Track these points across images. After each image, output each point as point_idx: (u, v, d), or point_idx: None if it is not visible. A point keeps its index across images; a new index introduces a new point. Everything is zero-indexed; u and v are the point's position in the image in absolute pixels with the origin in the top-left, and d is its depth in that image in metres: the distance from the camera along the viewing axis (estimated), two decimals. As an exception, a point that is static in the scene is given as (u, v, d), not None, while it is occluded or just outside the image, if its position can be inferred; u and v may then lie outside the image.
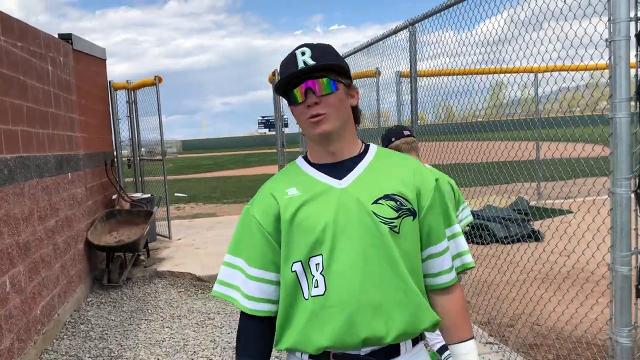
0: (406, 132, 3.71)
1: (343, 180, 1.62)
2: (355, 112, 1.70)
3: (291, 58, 1.61)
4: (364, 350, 1.55)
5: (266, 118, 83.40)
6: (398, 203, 1.58)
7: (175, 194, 16.62)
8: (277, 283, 1.65)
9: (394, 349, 1.57)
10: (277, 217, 1.63)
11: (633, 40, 2.72)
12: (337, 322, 1.53)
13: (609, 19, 2.77)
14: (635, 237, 2.81)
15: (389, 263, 1.54)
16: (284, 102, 10.15)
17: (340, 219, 1.56)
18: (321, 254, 1.56)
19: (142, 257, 7.89)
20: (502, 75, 4.91)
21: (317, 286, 1.56)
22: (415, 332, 1.57)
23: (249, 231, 1.67)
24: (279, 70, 1.68)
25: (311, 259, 1.57)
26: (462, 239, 1.71)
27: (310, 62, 1.58)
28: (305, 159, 1.74)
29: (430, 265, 1.65)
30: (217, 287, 1.73)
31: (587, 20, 2.97)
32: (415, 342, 1.62)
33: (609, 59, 2.79)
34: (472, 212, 4.10)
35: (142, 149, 10.32)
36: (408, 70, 8.89)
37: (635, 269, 2.84)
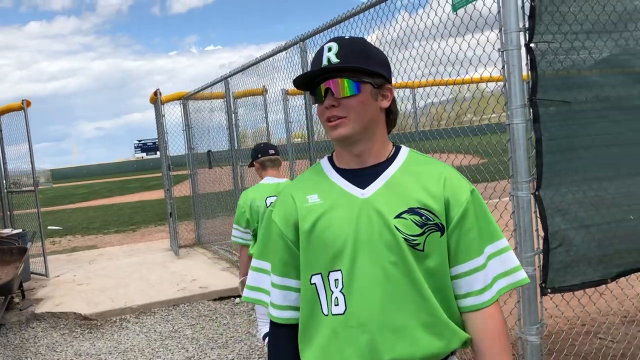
0: (271, 151, 4.09)
1: (366, 189, 1.51)
2: (389, 113, 1.57)
3: (319, 52, 1.51)
4: None
5: (143, 141, 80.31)
6: (423, 218, 1.45)
7: (49, 227, 15.37)
8: (300, 290, 1.57)
9: None
10: (296, 225, 1.55)
11: (523, 49, 2.84)
12: (358, 345, 1.44)
13: (500, 29, 2.88)
14: (536, 237, 2.92)
15: (411, 283, 1.44)
16: (169, 122, 9.79)
17: (361, 233, 1.46)
18: (340, 270, 1.47)
19: (16, 300, 7.13)
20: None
21: (338, 304, 1.47)
22: (444, 353, 1.47)
23: (271, 236, 1.61)
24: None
25: (331, 273, 1.48)
26: (510, 255, 1.53)
27: (334, 60, 1.46)
28: (331, 160, 1.63)
29: (457, 286, 1.51)
30: (247, 292, 1.66)
31: (480, 33, 3.08)
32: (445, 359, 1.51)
33: (502, 67, 2.90)
34: None
35: (5, 180, 9.43)
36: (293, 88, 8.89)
37: (539, 268, 2.95)
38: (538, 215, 2.91)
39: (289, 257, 1.56)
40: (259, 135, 9.71)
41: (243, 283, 4.15)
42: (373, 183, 1.51)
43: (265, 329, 4.66)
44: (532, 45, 2.84)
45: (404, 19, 3.92)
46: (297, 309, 1.56)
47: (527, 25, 2.82)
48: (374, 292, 1.43)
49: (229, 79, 7.56)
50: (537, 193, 2.89)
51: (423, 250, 1.44)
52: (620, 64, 3.00)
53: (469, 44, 3.34)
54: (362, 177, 1.52)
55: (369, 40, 1.65)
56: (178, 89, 10.58)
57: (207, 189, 10.29)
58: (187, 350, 5.25)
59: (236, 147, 8.03)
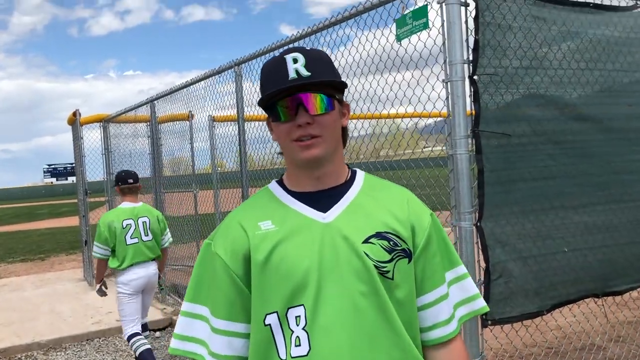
0: (130, 180, 5.07)
1: (328, 213, 1.36)
2: (344, 133, 1.45)
3: (279, 64, 1.33)
4: None
5: (54, 166, 76.60)
6: (392, 243, 1.33)
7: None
8: (248, 335, 1.36)
9: None
10: (246, 257, 1.34)
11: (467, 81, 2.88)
12: None
13: (445, 61, 2.91)
14: (478, 269, 2.92)
15: (382, 316, 1.29)
16: (86, 146, 9.32)
17: (326, 261, 1.30)
18: (303, 305, 1.28)
19: None
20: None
21: (299, 345, 1.27)
22: None
23: (212, 273, 1.37)
24: (261, 75, 1.39)
25: (290, 310, 1.29)
26: (469, 282, 1.46)
27: (305, 72, 1.31)
28: (281, 184, 1.45)
29: (423, 317, 1.39)
30: (175, 343, 1.40)
31: (424, 63, 3.09)
32: None
33: (447, 98, 2.92)
34: None
35: None
36: (217, 114, 8.73)
37: (480, 300, 2.94)
38: (480, 246, 2.92)
39: (237, 296, 1.35)
40: (183, 162, 9.42)
41: (100, 291, 5.32)
42: (335, 206, 1.37)
43: (129, 329, 5.11)
44: (475, 77, 2.88)
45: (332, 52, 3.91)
46: (243, 359, 1.36)
47: (471, 58, 2.86)
48: (343, 327, 1.27)
49: (155, 102, 7.28)
50: (478, 224, 2.89)
51: (393, 279, 1.31)
52: (555, 100, 3.10)
53: (403, 76, 3.36)
54: (320, 200, 1.38)
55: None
56: (94, 113, 10.13)
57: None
58: (102, 389, 4.86)
59: (157, 174, 7.70)
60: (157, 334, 6.40)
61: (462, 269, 1.46)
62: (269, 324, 1.30)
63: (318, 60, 1.35)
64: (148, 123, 8.90)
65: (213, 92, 6.15)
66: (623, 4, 3.42)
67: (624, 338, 4.89)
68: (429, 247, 1.39)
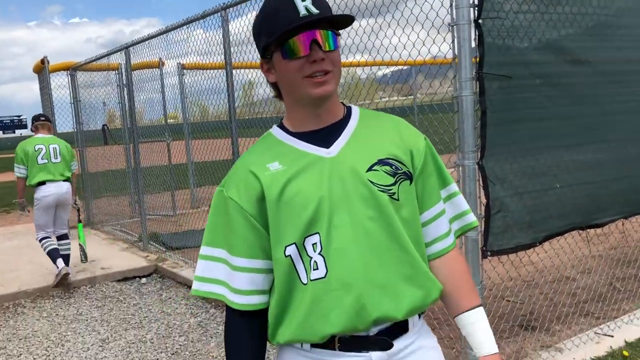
0: (42, 118, 6.54)
1: (331, 147, 1.44)
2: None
3: (287, 1, 1.35)
4: (373, 330, 1.41)
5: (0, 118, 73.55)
6: (393, 167, 1.43)
7: None
8: (267, 271, 1.44)
9: (403, 325, 1.44)
10: (260, 197, 1.41)
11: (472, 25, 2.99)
12: (343, 307, 1.36)
13: (451, 5, 3.00)
14: (479, 204, 3.11)
15: (391, 235, 1.40)
16: (59, 101, 9.05)
17: (335, 191, 1.39)
18: (318, 232, 1.37)
19: None
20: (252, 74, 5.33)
21: (317, 268, 1.37)
22: (425, 305, 1.45)
23: (227, 216, 1.44)
24: (262, 14, 1.41)
25: (306, 239, 1.38)
26: (460, 199, 1.58)
27: (314, 9, 1.34)
28: (282, 127, 1.51)
29: (426, 232, 1.51)
30: (196, 285, 1.47)
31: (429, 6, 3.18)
32: (419, 315, 1.50)
33: (452, 41, 3.03)
34: None
35: None
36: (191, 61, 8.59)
37: (481, 234, 3.15)
38: (481, 183, 3.09)
39: (254, 235, 1.42)
40: (149, 112, 9.29)
41: (20, 204, 6.36)
42: (337, 140, 1.45)
43: (40, 235, 6.21)
44: (480, 21, 2.98)
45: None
46: (264, 292, 1.45)
47: (476, 2, 2.96)
48: (356, 249, 1.37)
49: (130, 49, 7.12)
50: (480, 163, 3.06)
51: (398, 200, 1.42)
52: (551, 44, 3.25)
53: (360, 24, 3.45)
54: (323, 136, 1.45)
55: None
56: (51, 64, 9.73)
57: (97, 168, 9.70)
58: (99, 333, 4.97)
59: (133, 123, 7.60)
60: (143, 280, 6.49)
61: (453, 186, 1.58)
62: (289, 255, 1.39)
63: None
64: (117, 71, 8.72)
65: (193, 38, 6.07)
66: (612, -50, 3.55)
67: (593, 269, 5.27)
68: (426, 167, 1.50)
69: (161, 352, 4.47)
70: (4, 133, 72.17)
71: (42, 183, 6.02)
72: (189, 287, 5.97)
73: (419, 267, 1.43)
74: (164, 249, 7.29)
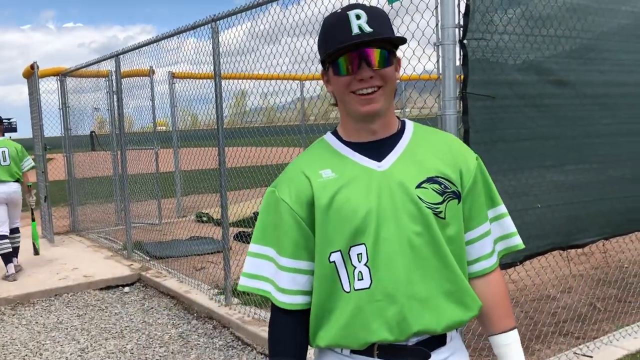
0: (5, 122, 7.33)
1: (383, 162, 1.48)
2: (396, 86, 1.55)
3: (342, 20, 1.41)
4: (412, 340, 1.45)
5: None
6: (442, 186, 1.47)
7: None
8: (311, 272, 1.50)
9: (441, 338, 1.48)
10: (310, 202, 1.47)
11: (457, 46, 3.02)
12: (385, 318, 1.41)
13: (437, 25, 3.04)
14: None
15: (435, 252, 1.44)
16: (46, 101, 9.01)
17: (384, 205, 1.43)
18: (364, 243, 1.42)
19: None
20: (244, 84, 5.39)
21: (362, 279, 1.42)
22: (464, 321, 1.48)
23: (277, 216, 1.50)
24: (322, 29, 1.48)
25: (352, 248, 1.43)
26: (508, 220, 1.62)
27: (367, 29, 1.40)
28: (336, 135, 1.56)
29: (469, 251, 1.55)
30: (243, 281, 1.54)
31: (415, 25, 3.21)
32: (457, 329, 1.54)
33: (437, 61, 3.07)
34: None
35: None
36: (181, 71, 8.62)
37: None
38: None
39: (301, 237, 1.48)
40: (137, 120, 9.27)
41: None
42: (389, 155, 1.50)
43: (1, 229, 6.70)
44: (464, 41, 3.02)
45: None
46: (307, 293, 1.50)
47: (461, 23, 3.00)
48: (400, 263, 1.42)
49: (120, 57, 7.12)
50: (462, 181, 3.08)
51: (445, 218, 1.45)
52: (534, 65, 3.29)
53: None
54: (375, 149, 1.50)
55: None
56: (41, 69, 9.64)
57: (83, 174, 9.65)
58: (78, 342, 4.92)
59: (120, 130, 7.57)
60: (126, 289, 6.45)
61: (502, 208, 1.62)
62: (334, 261, 1.44)
63: (378, 17, 1.45)
64: (106, 78, 8.71)
65: (184, 47, 6.09)
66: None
67: (574, 289, 5.30)
68: (475, 187, 1.54)
69: (140, 363, 4.43)
70: (3, 135, 71.47)
71: None
72: (172, 297, 5.94)
73: (460, 283, 1.47)
74: (148, 258, 7.25)
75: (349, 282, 1.44)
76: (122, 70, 7.34)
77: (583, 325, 4.44)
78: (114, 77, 7.82)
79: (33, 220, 7.40)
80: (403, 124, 1.58)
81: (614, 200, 3.74)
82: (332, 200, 1.44)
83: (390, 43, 1.46)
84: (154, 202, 9.47)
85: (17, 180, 6.82)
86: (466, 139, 3.06)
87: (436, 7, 3.03)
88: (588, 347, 4.00)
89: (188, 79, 7.57)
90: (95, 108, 9.44)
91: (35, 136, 8.76)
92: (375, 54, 1.42)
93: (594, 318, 4.57)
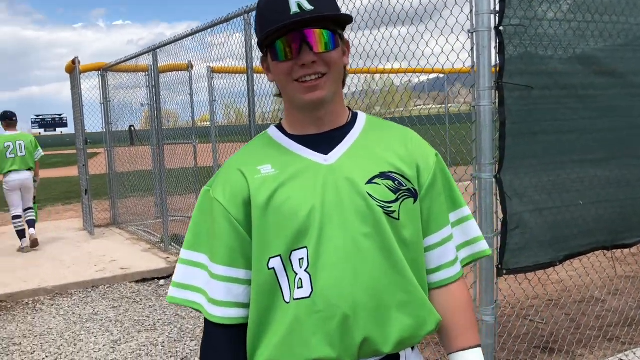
0: (14, 118, 8.10)
1: (330, 154, 1.32)
2: (345, 71, 1.37)
3: None
4: None
5: (41, 117, 75.48)
6: (396, 182, 1.30)
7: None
8: (248, 282, 1.32)
9: (393, 358, 1.29)
10: (246, 201, 1.29)
11: (493, 32, 2.86)
12: (327, 331, 1.24)
13: (471, 11, 2.88)
14: (496, 220, 2.97)
15: (386, 255, 1.26)
16: (83, 95, 9.19)
17: (328, 202, 1.26)
18: (306, 247, 1.25)
19: None
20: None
21: (302, 286, 1.25)
22: (417, 336, 1.30)
23: (210, 218, 1.33)
24: (257, 9, 1.31)
25: (293, 252, 1.26)
26: (472, 224, 1.43)
27: (308, 6, 1.22)
28: (279, 128, 1.40)
29: (429, 258, 1.37)
30: (173, 292, 1.36)
31: (449, 12, 3.07)
32: (413, 347, 1.35)
33: (471, 49, 2.91)
34: None
35: None
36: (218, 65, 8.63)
37: (497, 250, 3.00)
38: (498, 197, 2.95)
39: (237, 242, 1.30)
40: (182, 114, 9.32)
41: None
42: (337, 148, 1.32)
43: (13, 212, 7.92)
44: (501, 28, 2.85)
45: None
46: (243, 305, 1.32)
47: (497, 8, 2.83)
48: (345, 268, 1.24)
49: (157, 50, 7.16)
50: (498, 176, 2.92)
51: (399, 219, 1.28)
52: (578, 53, 3.09)
53: (399, 32, 3.34)
54: (322, 142, 1.33)
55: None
56: (83, 63, 9.78)
57: (124, 168, 9.80)
58: (112, 334, 4.96)
59: (157, 125, 7.62)
60: (162, 282, 6.49)
61: (465, 210, 1.43)
62: (273, 268, 1.26)
63: None
64: (146, 73, 8.79)
65: (217, 42, 6.06)
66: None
67: (621, 291, 5.03)
68: (435, 186, 1.37)
69: (171, 357, 4.43)
70: (45, 131, 74.01)
71: (9, 172, 7.82)
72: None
73: (415, 293, 1.29)
74: (183, 251, 7.27)
75: (290, 290, 1.26)
76: (161, 65, 7.38)
77: (630, 329, 4.20)
78: (152, 71, 7.88)
79: (35, 202, 8.48)
80: (355, 115, 1.41)
81: (664, 198, 3.50)
82: (271, 199, 1.27)
83: (335, 23, 1.28)
84: (192, 196, 9.52)
85: (29, 169, 7.98)
86: (502, 132, 2.90)
87: (470, -8, 2.87)
88: (635, 354, 3.78)
89: (227, 74, 7.58)
90: (141, 103, 9.55)
91: (77, 130, 8.92)
92: (317, 35, 1.24)
93: (643, 322, 4.32)
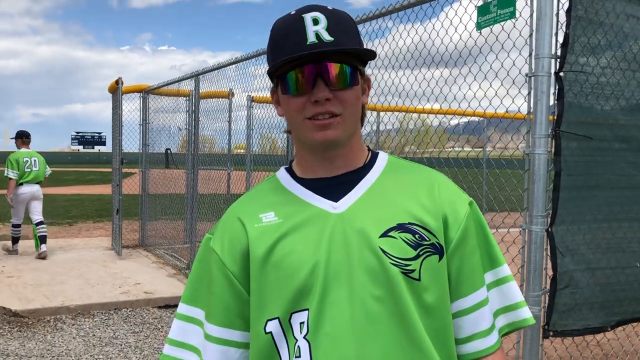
0: (30, 137, 8.83)
1: (340, 201, 1.15)
2: (363, 110, 1.21)
3: (296, 23, 1.11)
4: None
5: (81, 134, 77.47)
6: (417, 236, 1.11)
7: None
8: (246, 345, 1.18)
9: None
10: (244, 253, 1.16)
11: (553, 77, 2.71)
12: None
13: (530, 54, 2.75)
14: (545, 276, 2.77)
15: (401, 324, 1.08)
16: (124, 115, 9.32)
17: (334, 258, 1.10)
18: (307, 309, 1.09)
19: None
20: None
21: (299, 356, 1.09)
22: None
23: (208, 271, 1.20)
24: (270, 34, 1.17)
25: (293, 315, 1.10)
26: (513, 286, 1.22)
27: (327, 37, 1.08)
28: (289, 171, 1.25)
29: (460, 326, 1.17)
30: (167, 350, 1.23)
31: (505, 54, 2.94)
32: None
33: (528, 94, 2.77)
34: None
35: None
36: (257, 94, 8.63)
37: (544, 309, 2.80)
38: (548, 252, 2.77)
39: (233, 300, 1.17)
40: (219, 141, 9.33)
41: (11, 198, 8.58)
42: (349, 194, 1.16)
43: (14, 222, 8.69)
44: (561, 74, 2.71)
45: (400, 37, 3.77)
46: None
47: (558, 53, 2.70)
48: (350, 338, 1.07)
49: (200, 76, 7.19)
50: (549, 229, 2.74)
51: (419, 279, 1.09)
52: (641, 106, 2.92)
53: (441, 73, 3.21)
54: (333, 187, 1.17)
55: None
56: (126, 85, 9.92)
57: (157, 190, 9.81)
58: (130, 360, 4.83)
59: (194, 150, 7.61)
60: (184, 309, 6.36)
61: (505, 269, 1.22)
62: (270, 332, 1.12)
63: (342, 23, 1.13)
64: (187, 98, 8.86)
65: (258, 73, 6.04)
66: None
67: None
68: (466, 241, 1.16)
69: (188, 391, 4.26)
70: (84, 148, 75.77)
71: (22, 184, 8.54)
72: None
73: None
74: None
75: (289, 359, 1.10)
76: (203, 91, 7.41)
77: None
78: (193, 96, 7.92)
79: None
80: (374, 155, 1.24)
81: None
82: (271, 252, 1.12)
83: (356, 57, 1.15)
84: (221, 223, 9.47)
85: (38, 182, 8.75)
86: (557, 183, 2.73)
87: (530, 35, 2.75)
88: None
89: (267, 104, 7.57)
90: (179, 128, 9.62)
91: (115, 149, 8.99)
92: (335, 70, 1.10)
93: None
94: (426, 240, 1.12)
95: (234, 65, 6.79)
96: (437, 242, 1.13)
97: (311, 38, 1.09)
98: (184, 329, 1.22)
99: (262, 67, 6.05)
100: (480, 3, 3.01)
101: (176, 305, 5.42)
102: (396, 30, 3.96)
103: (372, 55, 1.17)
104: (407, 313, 1.08)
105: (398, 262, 1.09)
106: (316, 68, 1.10)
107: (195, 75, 7.24)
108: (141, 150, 9.39)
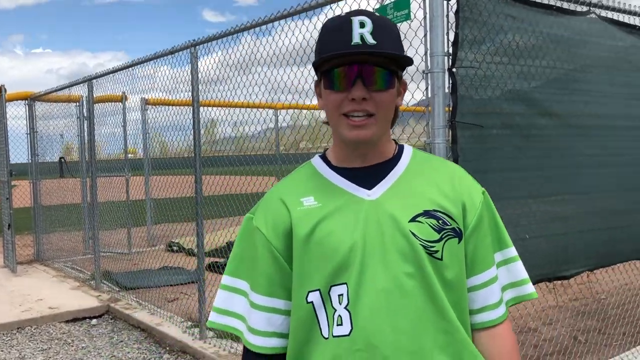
0: None
1: (373, 190, 1.31)
2: (396, 111, 1.37)
3: (343, 25, 1.23)
4: None
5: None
6: (440, 222, 1.28)
7: None
8: (288, 312, 1.33)
9: None
10: (288, 232, 1.30)
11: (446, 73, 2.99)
12: None
13: (426, 53, 3.00)
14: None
15: (429, 297, 1.25)
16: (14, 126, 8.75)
17: (371, 239, 1.25)
18: (346, 283, 1.24)
19: None
20: (214, 112, 5.39)
21: (341, 324, 1.24)
22: None
23: (252, 247, 1.35)
24: (321, 31, 1.29)
25: (332, 288, 1.25)
26: (519, 265, 1.41)
27: (371, 40, 1.21)
28: (324, 158, 1.39)
29: (473, 299, 1.34)
30: (213, 317, 1.37)
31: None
32: None
33: (426, 89, 3.02)
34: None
35: None
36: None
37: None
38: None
39: (277, 272, 1.31)
40: (113, 145, 9.06)
41: None
42: (380, 183, 1.32)
43: None
44: (453, 69, 2.99)
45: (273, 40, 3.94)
46: (283, 335, 1.33)
47: (450, 51, 2.97)
48: (386, 308, 1.23)
49: (93, 81, 6.95)
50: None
51: (442, 259, 1.26)
52: (522, 95, 3.27)
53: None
54: (366, 176, 1.32)
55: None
56: (9, 93, 9.33)
57: (51, 201, 9.34)
58: (42, 379, 4.64)
59: (92, 157, 7.35)
60: (94, 321, 6.17)
61: (512, 250, 1.42)
62: (312, 302, 1.27)
63: (386, 29, 1.26)
64: (77, 103, 8.53)
65: (160, 74, 5.97)
66: (579, 8, 3.65)
67: (554, 321, 5.25)
68: (481, 226, 1.34)
69: (109, 402, 4.19)
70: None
71: None
72: (143, 329, 5.70)
73: (458, 336, 1.28)
74: (117, 289, 6.97)
75: (328, 327, 1.26)
76: (94, 96, 7.16)
77: (565, 358, 4.38)
78: (85, 102, 7.63)
79: None
80: (401, 148, 1.40)
81: (599, 231, 3.72)
82: (313, 232, 1.28)
83: (394, 62, 1.27)
84: (123, 231, 9.19)
85: None
86: (455, 169, 3.01)
87: (425, 35, 3.00)
88: (573, 381, 3.94)
89: (161, 106, 7.45)
90: (60, 134, 9.21)
91: (1, 162, 8.45)
92: (373, 72, 1.24)
93: (578, 351, 4.52)
94: (448, 225, 1.29)
95: (126, 69, 6.61)
96: (457, 226, 1.30)
97: (356, 39, 1.21)
98: (229, 298, 1.36)
99: (155, 67, 5.96)
100: (378, 6, 3.23)
101: (84, 318, 5.32)
102: (288, 28, 4.10)
103: (409, 61, 1.31)
104: (433, 287, 1.25)
105: (425, 243, 1.26)
106: (357, 68, 1.23)
107: (89, 80, 6.99)
108: (30, 160, 8.89)
